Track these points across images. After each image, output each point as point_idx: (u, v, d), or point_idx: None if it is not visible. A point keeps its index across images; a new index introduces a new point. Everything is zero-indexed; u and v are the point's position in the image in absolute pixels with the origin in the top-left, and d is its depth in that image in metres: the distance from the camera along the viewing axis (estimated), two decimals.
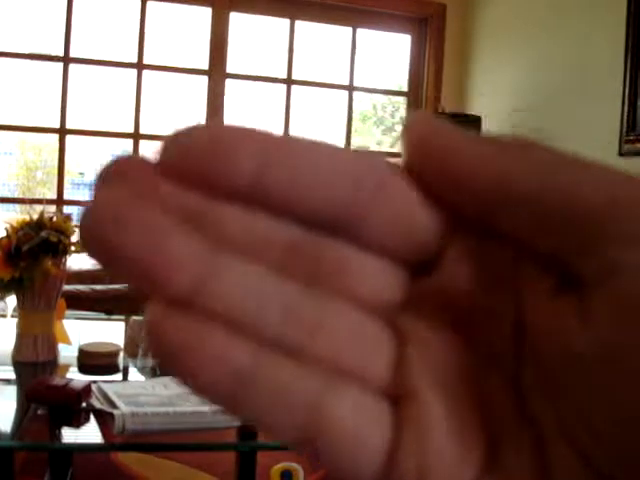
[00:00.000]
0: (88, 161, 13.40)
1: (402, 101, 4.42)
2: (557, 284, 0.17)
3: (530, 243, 0.17)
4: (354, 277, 0.18)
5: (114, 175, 0.16)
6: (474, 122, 3.24)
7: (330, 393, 0.17)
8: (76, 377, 1.59)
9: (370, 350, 0.18)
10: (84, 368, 1.74)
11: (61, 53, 3.51)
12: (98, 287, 3.02)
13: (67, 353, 1.81)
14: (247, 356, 0.16)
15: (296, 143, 0.17)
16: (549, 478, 0.17)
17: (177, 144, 0.16)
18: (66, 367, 1.77)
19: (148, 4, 3.59)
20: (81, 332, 2.05)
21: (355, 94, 4.04)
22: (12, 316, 1.95)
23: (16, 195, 10.90)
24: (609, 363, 0.15)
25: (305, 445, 0.17)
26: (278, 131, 0.17)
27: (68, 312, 1.95)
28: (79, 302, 2.61)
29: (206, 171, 0.16)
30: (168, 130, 0.16)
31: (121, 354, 1.83)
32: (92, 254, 0.16)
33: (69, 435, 1.39)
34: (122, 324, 2.54)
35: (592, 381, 0.16)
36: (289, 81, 3.82)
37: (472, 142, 0.17)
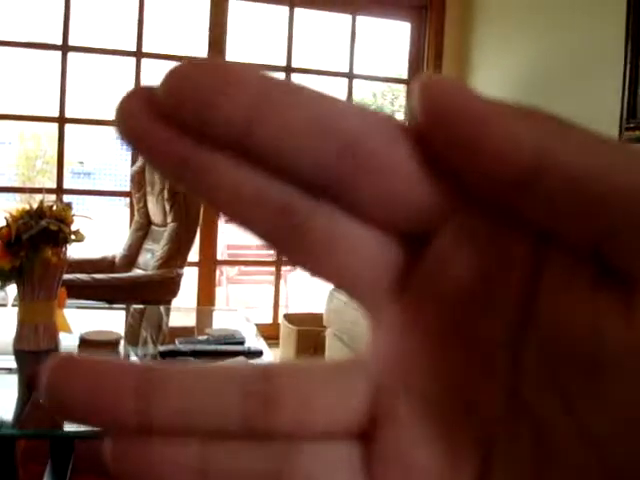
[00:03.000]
0: (87, 150, 13.35)
1: (402, 89, 4.41)
2: (594, 277, 0.15)
3: (563, 232, 0.15)
4: (341, 251, 0.16)
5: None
6: None
7: (291, 455, 0.16)
8: None
9: (338, 391, 0.16)
10: None
11: (60, 41, 3.49)
12: (98, 276, 3.02)
13: (68, 342, 1.81)
14: (194, 456, 0.16)
15: (293, 94, 0.15)
16: None
17: (171, 81, 0.15)
18: None
19: None
20: (82, 321, 2.05)
21: (355, 82, 4.03)
22: (13, 305, 1.96)
23: (16, 184, 10.90)
24: None
25: None
26: (279, 76, 0.15)
27: (69, 301, 1.95)
28: (80, 291, 2.61)
29: (198, 113, 0.15)
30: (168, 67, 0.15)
31: (122, 342, 1.84)
32: (51, 409, 0.17)
33: (70, 423, 1.39)
34: (123, 313, 2.54)
35: (624, 385, 0.14)
36: (288, 69, 3.81)
37: (502, 115, 0.14)
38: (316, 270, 0.17)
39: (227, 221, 0.16)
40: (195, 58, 0.15)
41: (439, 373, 0.16)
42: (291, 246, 0.17)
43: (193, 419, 0.16)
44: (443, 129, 0.15)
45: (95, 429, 0.17)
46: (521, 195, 0.15)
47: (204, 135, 0.15)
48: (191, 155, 0.15)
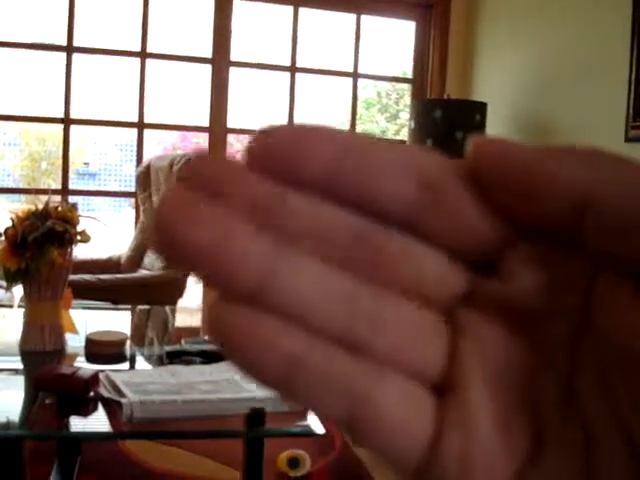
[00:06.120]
0: (92, 151, 13.37)
1: (407, 88, 4.40)
2: (635, 288, 0.17)
3: (615, 254, 0.17)
4: (415, 267, 0.18)
5: (192, 172, 0.17)
6: (479, 108, 3.22)
7: (378, 382, 0.17)
8: (83, 366, 1.60)
9: (424, 342, 0.18)
10: (91, 357, 1.74)
11: (64, 42, 3.50)
12: (104, 276, 3.03)
13: (74, 342, 1.82)
14: (301, 344, 0.17)
15: (367, 144, 0.18)
16: (593, 477, 0.17)
17: (262, 141, 0.17)
18: (73, 356, 1.78)
19: None
20: (88, 321, 2.05)
21: (359, 81, 4.02)
22: (19, 306, 1.96)
23: (21, 185, 10.93)
24: None
25: (349, 428, 0.17)
26: (350, 131, 0.18)
27: (75, 301, 1.96)
28: (85, 291, 2.61)
29: (287, 166, 0.17)
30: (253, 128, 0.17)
31: (128, 342, 1.84)
32: (163, 251, 0.17)
33: (77, 424, 1.40)
34: (128, 313, 2.55)
35: None
36: (293, 68, 3.81)
37: (554, 157, 0.17)
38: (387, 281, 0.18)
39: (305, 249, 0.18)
40: (276, 126, 0.18)
41: (509, 362, 0.18)
42: (363, 265, 0.18)
43: (307, 313, 0.17)
44: (505, 173, 0.17)
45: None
46: (573, 225, 0.17)
47: (294, 181, 0.17)
48: (280, 192, 0.17)
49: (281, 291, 0.17)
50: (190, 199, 0.17)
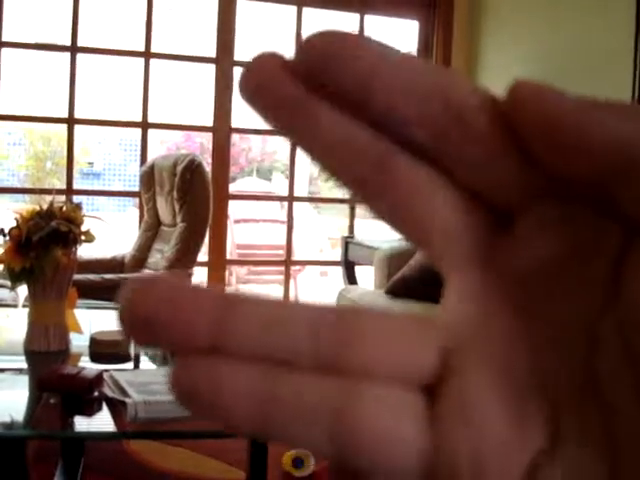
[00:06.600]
0: (96, 150, 13.39)
1: None
2: None
3: None
4: (425, 204, 0.17)
5: None
6: None
7: (354, 396, 0.16)
8: (88, 366, 1.60)
9: (403, 341, 0.17)
10: (95, 357, 1.75)
11: (68, 42, 3.50)
12: (108, 276, 3.03)
13: (78, 342, 1.82)
14: (266, 380, 0.16)
15: (407, 59, 0.17)
16: (615, 466, 0.16)
17: (305, 46, 0.17)
18: (78, 356, 1.78)
19: None
20: (92, 321, 2.06)
21: None
22: (23, 306, 1.96)
23: (26, 185, 10.96)
24: None
25: (339, 455, 0.16)
26: (386, 45, 0.18)
27: (79, 301, 1.96)
28: (90, 291, 2.61)
29: (327, 68, 0.17)
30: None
31: (132, 342, 1.84)
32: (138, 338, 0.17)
33: (81, 423, 1.40)
34: None
35: None
36: None
37: (589, 108, 0.15)
38: (395, 221, 0.18)
39: (320, 167, 0.18)
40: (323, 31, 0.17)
41: (515, 342, 0.17)
42: (376, 194, 0.18)
43: (263, 347, 0.16)
44: (538, 120, 0.16)
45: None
46: (614, 186, 0.15)
47: (326, 88, 0.17)
48: (306, 99, 0.17)
49: (235, 337, 0.16)
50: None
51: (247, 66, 0.18)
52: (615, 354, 0.15)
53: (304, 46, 0.17)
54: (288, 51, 0.18)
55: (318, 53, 0.17)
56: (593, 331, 0.16)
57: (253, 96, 0.18)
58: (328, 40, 0.17)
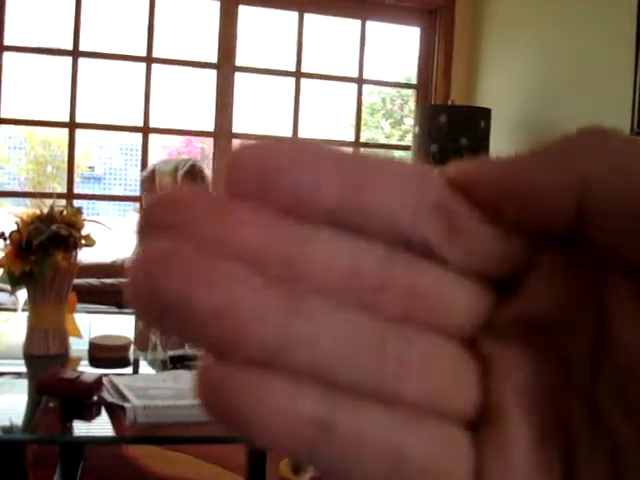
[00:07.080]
0: (97, 155, 13.39)
1: (411, 94, 4.40)
2: None
3: (620, 255, 0.15)
4: (440, 302, 0.17)
5: (161, 216, 0.15)
6: (484, 114, 3.22)
7: (413, 432, 0.16)
8: (87, 370, 1.60)
9: (456, 381, 0.17)
10: (95, 361, 1.74)
11: (70, 47, 3.51)
12: (108, 280, 3.03)
13: (78, 346, 1.81)
14: (324, 404, 0.15)
15: (371, 162, 0.16)
16: None
17: (244, 162, 0.15)
18: (77, 360, 1.78)
19: None
20: (92, 325, 2.05)
21: (364, 87, 4.02)
22: (23, 310, 1.96)
23: (26, 189, 10.96)
24: None
25: None
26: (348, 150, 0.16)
27: (79, 305, 1.96)
28: (90, 295, 2.62)
29: (287, 190, 0.15)
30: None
31: (132, 347, 1.84)
32: (145, 313, 0.14)
33: (80, 428, 1.39)
34: (132, 317, 2.55)
35: None
36: (298, 74, 3.82)
37: (538, 160, 0.16)
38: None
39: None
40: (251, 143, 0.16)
41: (537, 379, 0.17)
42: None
43: (331, 371, 0.15)
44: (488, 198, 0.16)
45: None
46: (579, 221, 0.15)
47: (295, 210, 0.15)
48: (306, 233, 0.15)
49: (300, 352, 0.14)
50: (177, 252, 0.14)
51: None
52: (612, 387, 0.16)
53: (247, 167, 0.15)
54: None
55: (273, 173, 0.15)
56: (594, 366, 0.16)
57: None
58: (281, 155, 0.15)
